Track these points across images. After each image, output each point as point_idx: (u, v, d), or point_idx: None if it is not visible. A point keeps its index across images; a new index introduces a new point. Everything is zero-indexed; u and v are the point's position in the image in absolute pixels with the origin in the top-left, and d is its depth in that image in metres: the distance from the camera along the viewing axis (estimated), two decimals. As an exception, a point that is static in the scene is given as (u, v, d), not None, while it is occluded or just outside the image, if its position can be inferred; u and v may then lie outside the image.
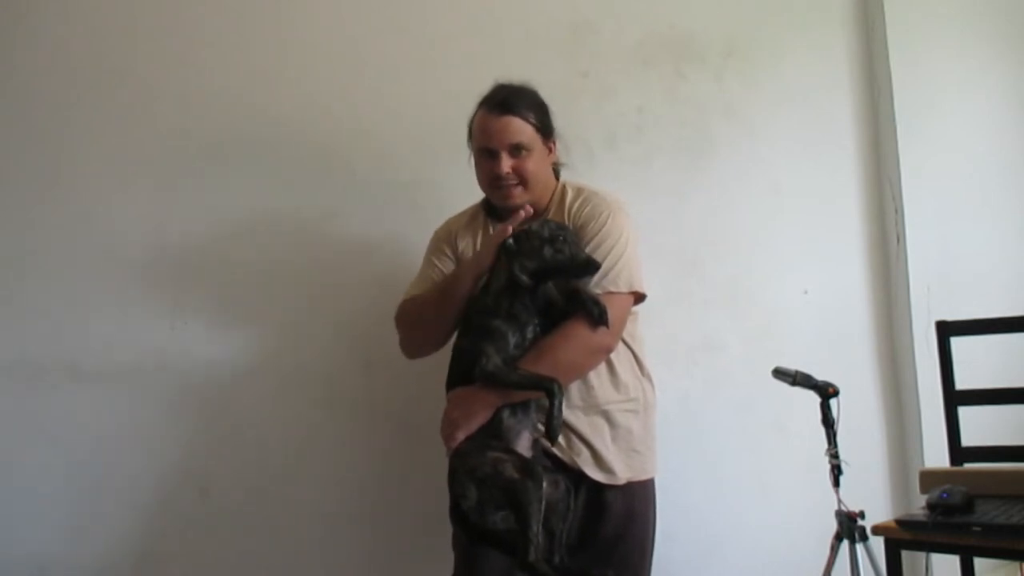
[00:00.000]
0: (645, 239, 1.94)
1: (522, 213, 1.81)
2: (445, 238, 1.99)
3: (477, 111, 1.91)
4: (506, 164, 1.85)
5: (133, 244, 2.06)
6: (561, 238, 1.75)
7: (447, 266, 1.96)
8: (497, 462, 1.71)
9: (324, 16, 2.29)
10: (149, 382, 2.04)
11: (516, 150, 1.86)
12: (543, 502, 1.67)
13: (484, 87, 1.99)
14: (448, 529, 1.84)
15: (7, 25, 1.99)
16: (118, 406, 2.01)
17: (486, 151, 1.88)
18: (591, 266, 1.73)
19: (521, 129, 1.87)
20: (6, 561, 1.88)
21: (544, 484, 1.68)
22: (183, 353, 2.08)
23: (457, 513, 1.76)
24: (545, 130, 1.91)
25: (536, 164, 1.89)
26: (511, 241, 1.77)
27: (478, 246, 1.95)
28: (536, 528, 1.64)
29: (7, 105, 1.97)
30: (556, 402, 1.68)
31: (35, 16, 2.01)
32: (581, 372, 1.81)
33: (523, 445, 1.79)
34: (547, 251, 1.74)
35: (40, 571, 1.91)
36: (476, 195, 2.05)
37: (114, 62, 2.06)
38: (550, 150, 1.94)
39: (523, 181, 1.87)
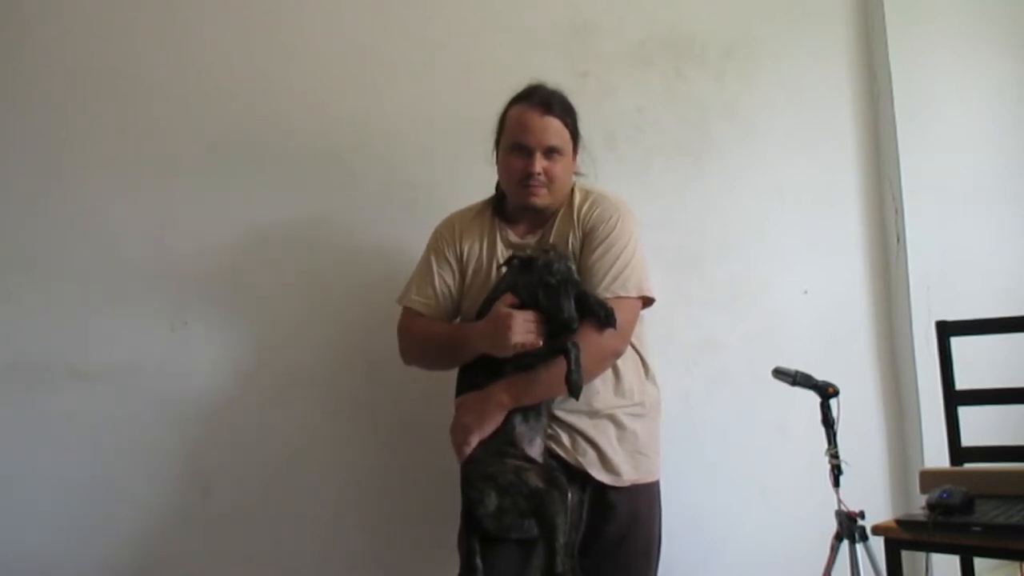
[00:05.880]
0: (645, 239, 1.94)
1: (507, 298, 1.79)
2: (449, 238, 1.97)
3: (514, 106, 1.90)
4: (539, 164, 1.84)
5: (133, 244, 2.06)
6: (555, 284, 1.73)
7: (447, 274, 1.95)
8: (519, 470, 1.71)
9: (325, 17, 2.29)
10: (149, 382, 2.03)
11: (551, 152, 1.86)
12: (568, 513, 1.67)
13: (485, 87, 2.00)
14: (452, 530, 1.84)
15: (7, 25, 1.98)
16: (118, 406, 2.00)
17: (520, 147, 1.86)
18: (567, 326, 1.72)
19: (560, 132, 1.87)
20: (6, 562, 1.88)
21: (569, 495, 1.68)
22: (184, 353, 2.07)
23: (471, 519, 1.75)
24: (576, 136, 1.92)
25: (564, 169, 1.89)
26: (516, 262, 1.79)
27: (485, 249, 1.95)
28: (563, 539, 1.65)
29: (7, 105, 1.97)
30: (573, 357, 1.70)
31: (35, 16, 2.01)
32: (591, 377, 1.80)
33: (535, 451, 1.79)
34: (540, 293, 1.74)
35: (39, 572, 1.91)
36: (476, 196, 2.05)
37: (114, 62, 2.06)
38: (575, 156, 1.94)
39: (550, 183, 1.86)
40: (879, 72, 3.12)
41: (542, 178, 1.85)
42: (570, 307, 1.73)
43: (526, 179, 1.85)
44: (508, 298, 1.77)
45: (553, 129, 1.86)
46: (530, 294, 1.76)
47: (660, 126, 2.72)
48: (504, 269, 1.85)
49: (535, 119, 1.86)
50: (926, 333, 2.85)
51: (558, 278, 1.73)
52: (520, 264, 1.78)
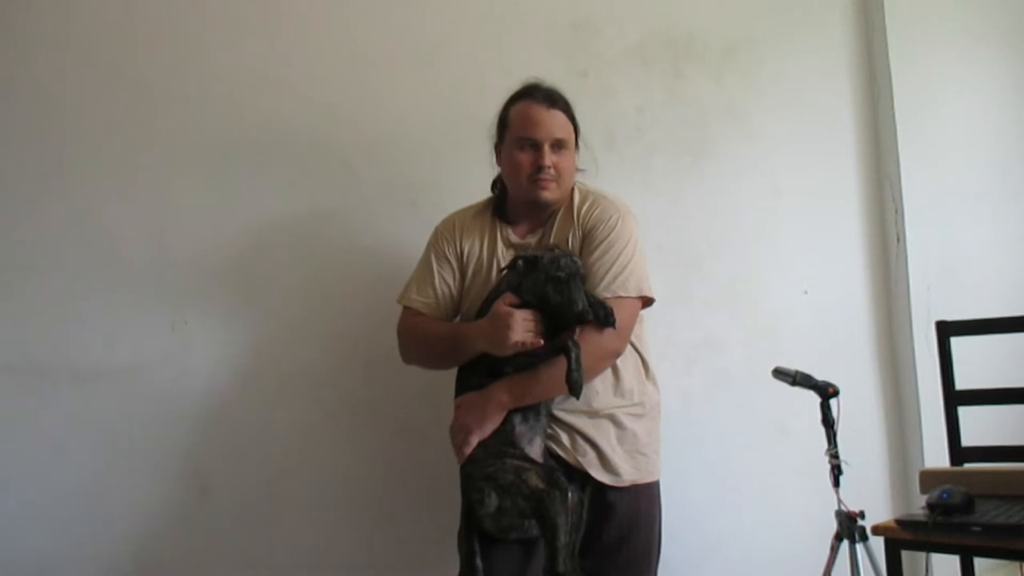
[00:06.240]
0: (645, 239, 1.94)
1: (508, 297, 1.79)
2: (449, 237, 1.98)
3: (517, 102, 1.91)
4: (549, 157, 1.86)
5: (133, 244, 2.06)
6: (565, 279, 1.73)
7: (447, 273, 1.95)
8: (520, 470, 1.71)
9: (324, 16, 2.29)
10: (149, 382, 2.04)
11: (558, 145, 1.88)
12: (569, 513, 1.67)
13: (485, 87, 2.00)
14: (451, 530, 1.84)
15: (7, 25, 1.98)
16: (118, 406, 2.00)
17: (528, 142, 1.87)
18: (582, 318, 1.73)
19: (564, 125, 1.89)
20: (6, 562, 1.88)
21: (570, 495, 1.68)
22: (183, 353, 2.08)
23: (471, 518, 1.75)
24: (577, 131, 1.94)
25: (569, 163, 1.91)
26: (521, 263, 1.78)
27: (485, 248, 1.95)
28: (564, 539, 1.64)
29: (7, 105, 1.97)
30: (573, 356, 1.70)
31: (35, 16, 2.01)
32: (591, 377, 1.80)
33: (535, 451, 1.79)
34: (550, 289, 1.74)
35: (39, 572, 1.91)
36: (477, 196, 2.05)
37: (114, 62, 2.06)
38: (576, 151, 1.95)
39: (558, 177, 1.87)
40: (879, 72, 3.11)
41: (552, 172, 1.86)
42: (583, 299, 1.74)
43: (536, 173, 1.86)
44: (508, 297, 1.77)
45: (559, 122, 1.88)
46: (537, 293, 1.75)
47: (660, 126, 2.72)
48: (504, 272, 1.85)
49: (541, 113, 1.87)
50: (926, 333, 2.84)
51: (567, 272, 1.74)
52: (525, 264, 1.78)
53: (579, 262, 1.80)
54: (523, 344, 1.71)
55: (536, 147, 1.86)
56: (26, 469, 1.92)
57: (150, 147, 2.09)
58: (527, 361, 1.77)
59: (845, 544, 1.98)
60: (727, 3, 2.90)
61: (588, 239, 1.87)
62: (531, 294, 1.76)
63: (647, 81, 2.72)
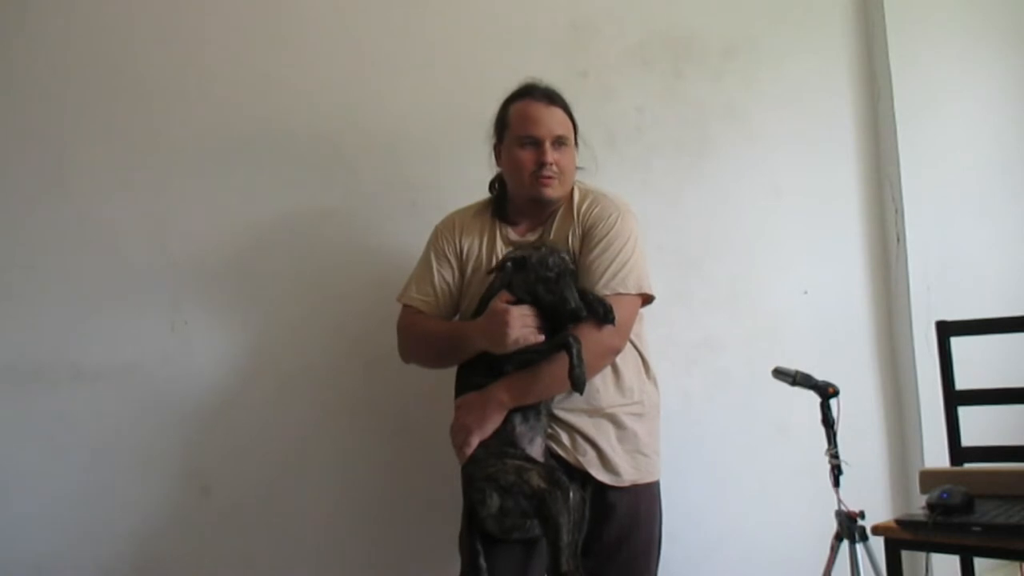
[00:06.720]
0: (645, 239, 1.94)
1: (504, 295, 1.78)
2: (449, 236, 1.98)
3: (516, 101, 1.92)
4: (551, 154, 1.86)
5: (133, 244, 2.06)
6: (555, 278, 1.73)
7: (447, 272, 1.95)
8: (521, 470, 1.70)
9: (324, 16, 2.29)
10: (149, 382, 2.04)
11: (559, 142, 1.88)
12: (571, 512, 1.67)
13: (484, 86, 2.00)
14: (453, 530, 1.84)
15: (7, 25, 1.98)
16: (119, 406, 2.00)
17: (529, 140, 1.87)
18: (575, 316, 1.73)
19: (564, 122, 1.90)
20: (6, 562, 1.88)
21: (571, 494, 1.68)
22: (183, 353, 2.08)
23: (473, 519, 1.74)
24: (576, 130, 1.95)
25: (570, 160, 1.92)
26: (510, 264, 1.78)
27: (484, 246, 1.95)
28: (567, 538, 1.64)
29: (7, 105, 1.97)
30: (574, 352, 1.70)
31: (35, 16, 2.01)
32: (591, 374, 1.79)
33: (536, 451, 1.79)
34: (540, 289, 1.74)
35: (39, 572, 1.91)
36: (476, 196, 2.05)
37: (114, 62, 2.06)
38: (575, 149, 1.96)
39: (560, 174, 1.88)
40: (879, 72, 3.11)
41: (554, 168, 1.86)
42: (575, 296, 1.73)
43: (539, 170, 1.85)
44: (504, 294, 1.77)
45: (558, 119, 1.89)
46: (529, 293, 1.75)
47: (660, 126, 2.72)
48: (494, 275, 1.85)
49: (541, 110, 1.88)
50: (926, 333, 2.84)
51: (556, 271, 1.74)
52: (514, 265, 1.77)
53: (568, 259, 1.80)
54: (523, 340, 1.71)
55: (537, 145, 1.86)
56: (26, 469, 1.92)
57: (150, 147, 2.09)
58: (527, 358, 1.76)
59: (845, 544, 1.99)
60: (727, 3, 2.90)
61: (588, 237, 1.87)
62: (523, 293, 1.76)
63: (647, 81, 2.72)
